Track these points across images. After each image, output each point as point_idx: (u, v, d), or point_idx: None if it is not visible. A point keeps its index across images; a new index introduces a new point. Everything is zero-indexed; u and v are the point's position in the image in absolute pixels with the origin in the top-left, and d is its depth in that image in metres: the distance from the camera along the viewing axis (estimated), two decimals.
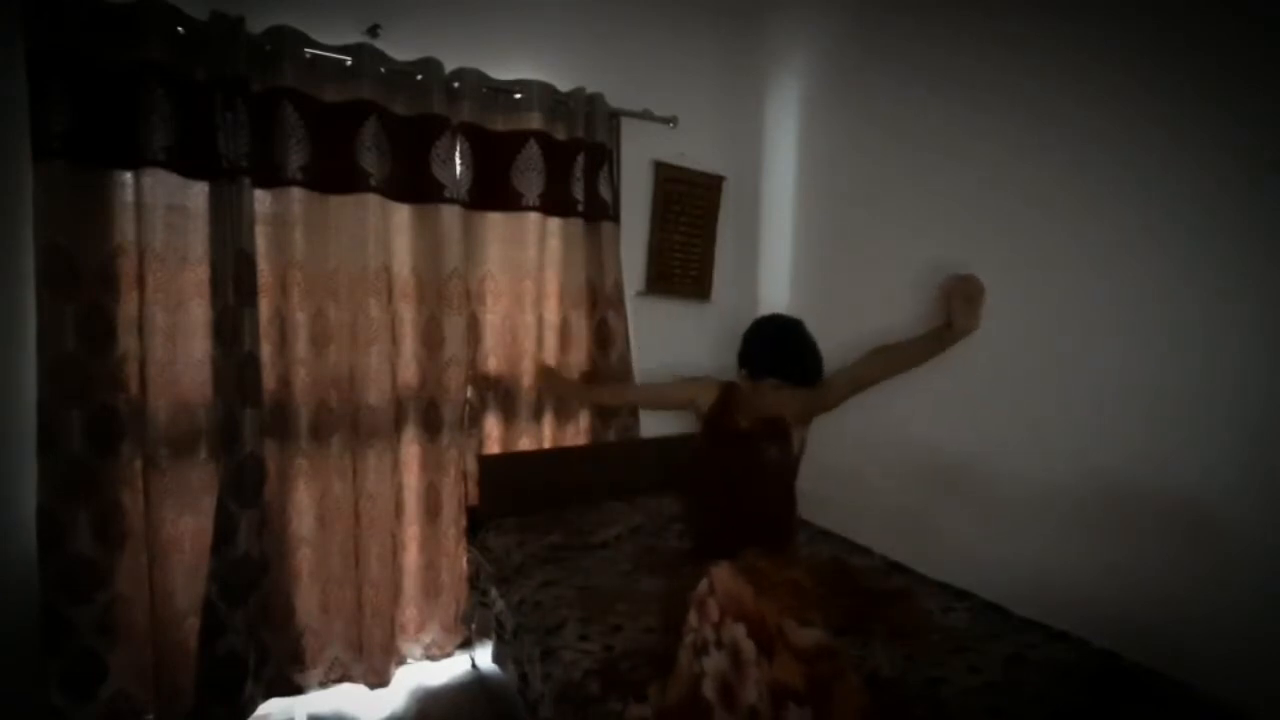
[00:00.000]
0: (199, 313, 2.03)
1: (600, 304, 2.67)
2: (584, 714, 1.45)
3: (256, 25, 2.01)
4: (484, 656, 2.20)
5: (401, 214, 2.31)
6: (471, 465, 2.49)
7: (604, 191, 2.63)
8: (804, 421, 2.03)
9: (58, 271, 1.81)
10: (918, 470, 2.23)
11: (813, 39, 2.67)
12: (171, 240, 1.97)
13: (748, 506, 1.78)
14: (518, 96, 2.46)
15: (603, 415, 2.66)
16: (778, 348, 1.90)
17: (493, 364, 2.55)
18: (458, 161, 2.38)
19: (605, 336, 2.67)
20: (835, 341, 2.58)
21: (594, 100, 2.57)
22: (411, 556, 2.39)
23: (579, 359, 2.67)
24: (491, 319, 2.54)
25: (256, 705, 2.11)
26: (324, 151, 2.14)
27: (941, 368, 2.13)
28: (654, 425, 2.82)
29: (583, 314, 2.65)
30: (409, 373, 2.36)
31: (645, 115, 2.75)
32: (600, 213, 2.63)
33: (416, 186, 2.30)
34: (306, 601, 2.22)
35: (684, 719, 1.22)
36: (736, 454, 1.85)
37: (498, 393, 2.57)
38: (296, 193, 2.12)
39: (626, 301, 2.73)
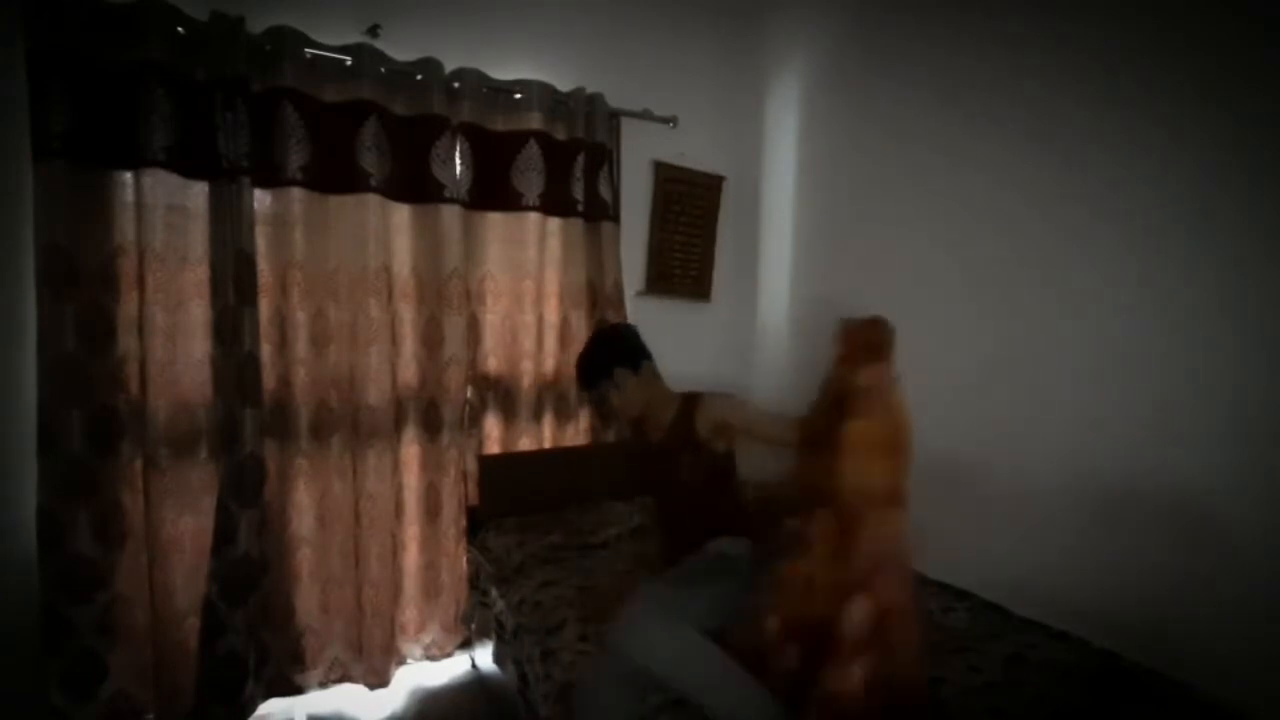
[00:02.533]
0: (199, 313, 2.02)
1: (600, 304, 2.67)
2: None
3: (256, 25, 2.01)
4: (484, 656, 2.20)
5: (401, 214, 2.31)
6: (471, 465, 2.49)
7: (604, 191, 2.63)
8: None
9: (58, 271, 1.81)
10: (917, 470, 2.23)
11: (813, 39, 2.67)
12: (171, 240, 1.97)
13: (689, 515, 1.78)
14: (518, 96, 2.46)
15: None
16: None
17: (493, 364, 2.55)
18: (458, 161, 2.38)
19: None
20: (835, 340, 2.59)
21: (594, 100, 2.57)
22: (411, 556, 2.39)
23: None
24: (491, 319, 2.54)
25: (256, 705, 2.11)
26: (324, 151, 2.14)
27: (941, 368, 2.13)
28: None
29: (583, 314, 2.65)
30: (409, 373, 2.36)
31: (645, 115, 2.75)
32: (600, 213, 2.63)
33: (416, 186, 2.30)
34: (306, 601, 2.22)
35: None
36: (654, 470, 1.85)
37: (498, 393, 2.57)
38: (296, 193, 2.12)
39: (626, 301, 2.73)
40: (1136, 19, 1.62)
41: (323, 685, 2.25)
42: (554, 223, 2.56)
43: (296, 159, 2.10)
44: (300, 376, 2.16)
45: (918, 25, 2.19)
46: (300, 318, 2.15)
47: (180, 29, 1.92)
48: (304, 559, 2.21)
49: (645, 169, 2.82)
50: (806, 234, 2.73)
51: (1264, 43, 1.41)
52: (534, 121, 2.47)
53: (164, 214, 1.95)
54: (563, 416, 2.68)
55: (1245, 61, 1.44)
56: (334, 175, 2.16)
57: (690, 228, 2.94)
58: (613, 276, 2.66)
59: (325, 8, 2.17)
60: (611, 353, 1.84)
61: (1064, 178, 1.78)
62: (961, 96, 2.05)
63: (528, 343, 2.56)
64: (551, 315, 2.61)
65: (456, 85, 2.34)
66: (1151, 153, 1.60)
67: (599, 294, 2.66)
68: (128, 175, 1.90)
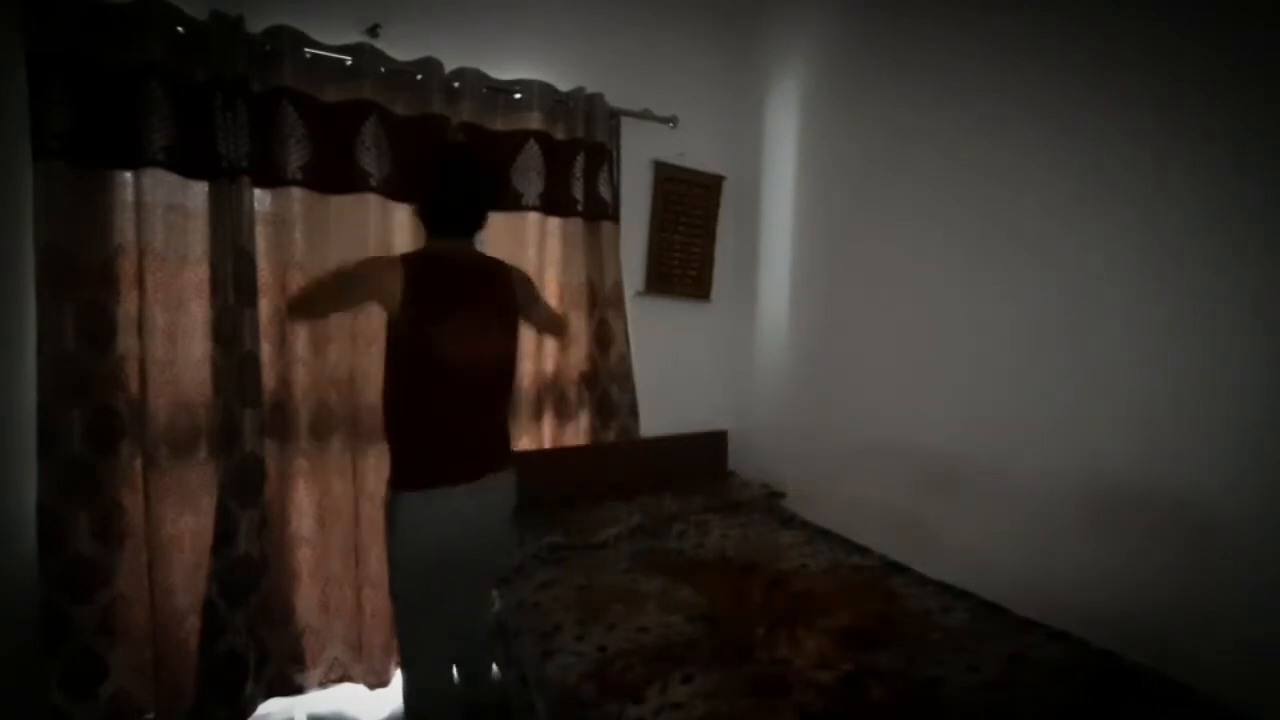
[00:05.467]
0: (199, 313, 2.03)
1: (600, 304, 2.67)
2: (583, 716, 1.45)
3: (256, 25, 2.01)
4: None
5: (401, 214, 2.31)
6: None
7: (604, 191, 2.63)
8: None
9: (58, 271, 1.81)
10: (917, 470, 2.23)
11: (813, 39, 2.67)
12: (171, 240, 1.98)
13: None
14: (517, 96, 2.46)
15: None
16: None
17: None
18: None
19: (605, 336, 2.67)
20: (835, 340, 2.59)
21: (593, 100, 2.57)
22: None
23: (579, 359, 2.67)
24: None
25: (257, 705, 2.11)
26: (324, 151, 2.14)
27: (942, 368, 2.13)
28: (654, 425, 2.82)
29: (583, 314, 2.65)
30: None
31: (645, 115, 2.75)
32: (600, 213, 2.63)
33: (417, 186, 2.30)
34: (306, 601, 2.22)
35: None
36: None
37: None
38: (296, 192, 2.12)
39: (626, 301, 2.73)
40: (1137, 16, 1.62)
41: (323, 685, 2.25)
42: (554, 223, 2.56)
43: (296, 159, 2.10)
44: (300, 376, 2.16)
45: (917, 26, 2.19)
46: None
47: (180, 29, 1.93)
48: (304, 558, 2.21)
49: (645, 169, 2.82)
50: (806, 233, 2.73)
51: (1265, 42, 1.41)
52: (534, 121, 2.47)
53: (164, 214, 1.95)
54: (563, 416, 2.68)
55: (1249, 57, 1.44)
56: (334, 175, 2.16)
57: (690, 228, 2.94)
58: (613, 276, 2.67)
59: (325, 8, 2.17)
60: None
61: (1064, 176, 1.78)
62: (961, 95, 2.04)
63: (528, 343, 2.56)
64: None
65: (456, 85, 2.34)
66: (1154, 151, 1.59)
67: (599, 294, 2.66)
68: (128, 175, 1.90)
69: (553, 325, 2.06)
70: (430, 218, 1.64)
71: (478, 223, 1.68)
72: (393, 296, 1.51)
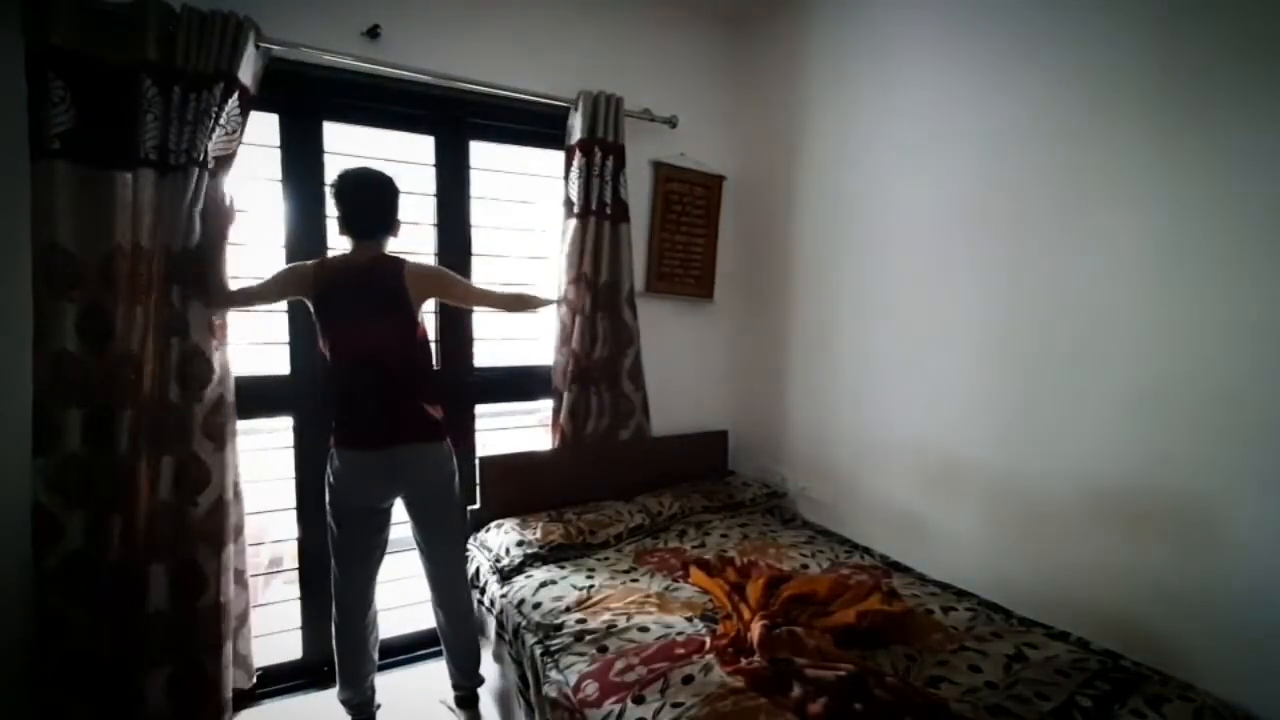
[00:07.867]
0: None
1: (619, 304, 2.65)
2: (583, 716, 1.45)
3: (264, 26, 2.00)
4: (484, 656, 2.20)
5: None
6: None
7: (623, 194, 2.61)
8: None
9: (57, 271, 1.81)
10: (919, 470, 2.23)
11: (813, 39, 2.67)
12: None
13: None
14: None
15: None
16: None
17: None
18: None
19: (624, 337, 2.66)
20: (837, 340, 2.59)
21: (615, 103, 2.56)
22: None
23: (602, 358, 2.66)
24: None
25: (259, 703, 2.11)
26: None
27: (943, 367, 2.13)
28: (654, 425, 2.82)
29: (605, 315, 2.62)
30: None
31: (645, 115, 2.75)
32: (620, 215, 2.61)
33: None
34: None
35: None
36: None
37: None
38: None
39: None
40: (1138, 15, 1.62)
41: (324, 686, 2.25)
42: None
43: None
44: None
45: (916, 26, 2.19)
46: None
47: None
48: None
49: (645, 169, 2.82)
50: (808, 232, 2.73)
51: (1262, 34, 1.41)
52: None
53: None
54: (579, 416, 2.66)
55: (1256, 52, 1.44)
56: None
57: (691, 227, 2.93)
58: (629, 278, 2.65)
59: (326, 8, 2.17)
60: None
61: (1067, 175, 1.78)
62: (961, 97, 2.04)
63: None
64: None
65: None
66: (1154, 150, 1.59)
67: (619, 294, 2.64)
68: (127, 175, 1.89)
69: (507, 304, 2.24)
70: (339, 226, 1.91)
71: (371, 230, 1.90)
72: (306, 294, 1.87)
